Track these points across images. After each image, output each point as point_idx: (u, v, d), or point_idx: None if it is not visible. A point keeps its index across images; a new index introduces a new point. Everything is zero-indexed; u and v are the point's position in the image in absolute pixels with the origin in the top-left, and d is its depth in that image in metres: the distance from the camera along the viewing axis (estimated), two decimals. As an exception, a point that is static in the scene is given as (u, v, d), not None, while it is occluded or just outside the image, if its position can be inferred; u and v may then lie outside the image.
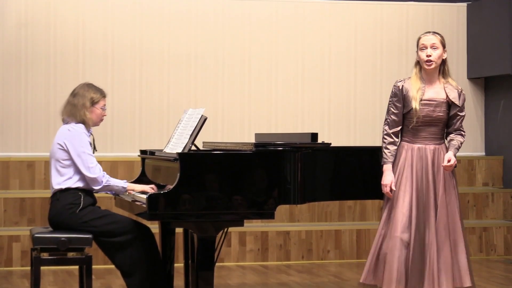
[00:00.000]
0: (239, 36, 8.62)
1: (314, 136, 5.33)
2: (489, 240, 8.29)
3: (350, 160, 5.38)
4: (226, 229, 5.04)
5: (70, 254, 5.15)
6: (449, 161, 4.96)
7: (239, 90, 8.61)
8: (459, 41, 9.10)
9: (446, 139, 5.12)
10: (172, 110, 8.39)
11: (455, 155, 5.02)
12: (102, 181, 5.14)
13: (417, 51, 5.11)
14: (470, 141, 9.05)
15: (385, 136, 5.11)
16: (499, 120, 8.95)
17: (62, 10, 8.24)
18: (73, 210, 5.14)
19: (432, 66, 5.04)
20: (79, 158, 5.13)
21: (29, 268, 5.68)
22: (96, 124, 5.36)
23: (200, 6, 8.55)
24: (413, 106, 5.00)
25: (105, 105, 5.36)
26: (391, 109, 5.10)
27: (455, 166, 5.05)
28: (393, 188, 5.02)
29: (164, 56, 8.46)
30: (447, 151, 5.05)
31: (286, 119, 8.67)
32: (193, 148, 5.39)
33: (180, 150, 5.13)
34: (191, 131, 5.22)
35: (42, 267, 5.09)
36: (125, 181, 5.32)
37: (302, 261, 7.89)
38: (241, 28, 8.63)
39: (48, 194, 7.54)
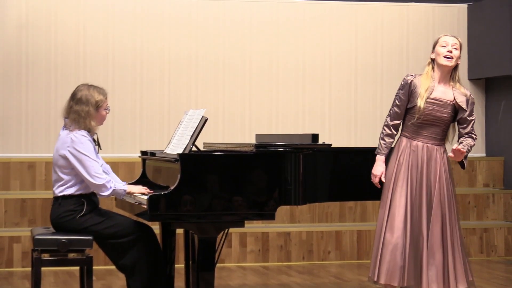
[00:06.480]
0: (240, 37, 8.62)
1: (315, 137, 5.33)
2: (490, 241, 8.28)
3: (350, 161, 5.38)
4: (226, 230, 5.04)
5: (71, 255, 5.14)
6: (457, 149, 4.89)
7: (240, 91, 8.61)
8: (460, 42, 9.10)
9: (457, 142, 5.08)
10: (173, 111, 8.39)
11: (467, 151, 4.98)
12: (110, 187, 5.04)
13: (433, 49, 5.07)
14: (470, 142, 9.05)
15: (384, 127, 5.12)
16: (499, 121, 8.95)
17: (63, 11, 8.24)
18: (73, 216, 5.11)
19: (451, 63, 5.00)
20: (82, 166, 5.04)
21: (29, 269, 5.67)
22: (100, 124, 5.27)
23: (200, 7, 8.54)
24: (418, 104, 4.99)
25: (107, 104, 5.27)
26: (396, 100, 5.10)
27: (465, 158, 4.99)
28: (383, 180, 5.04)
29: (164, 57, 8.46)
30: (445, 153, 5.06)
31: (287, 120, 8.67)
32: (194, 149, 5.39)
33: (180, 151, 5.13)
34: (192, 132, 5.21)
35: (42, 268, 5.08)
36: (125, 183, 5.30)
37: (303, 262, 7.88)
38: (242, 29, 8.63)
39: (49, 195, 7.57)
